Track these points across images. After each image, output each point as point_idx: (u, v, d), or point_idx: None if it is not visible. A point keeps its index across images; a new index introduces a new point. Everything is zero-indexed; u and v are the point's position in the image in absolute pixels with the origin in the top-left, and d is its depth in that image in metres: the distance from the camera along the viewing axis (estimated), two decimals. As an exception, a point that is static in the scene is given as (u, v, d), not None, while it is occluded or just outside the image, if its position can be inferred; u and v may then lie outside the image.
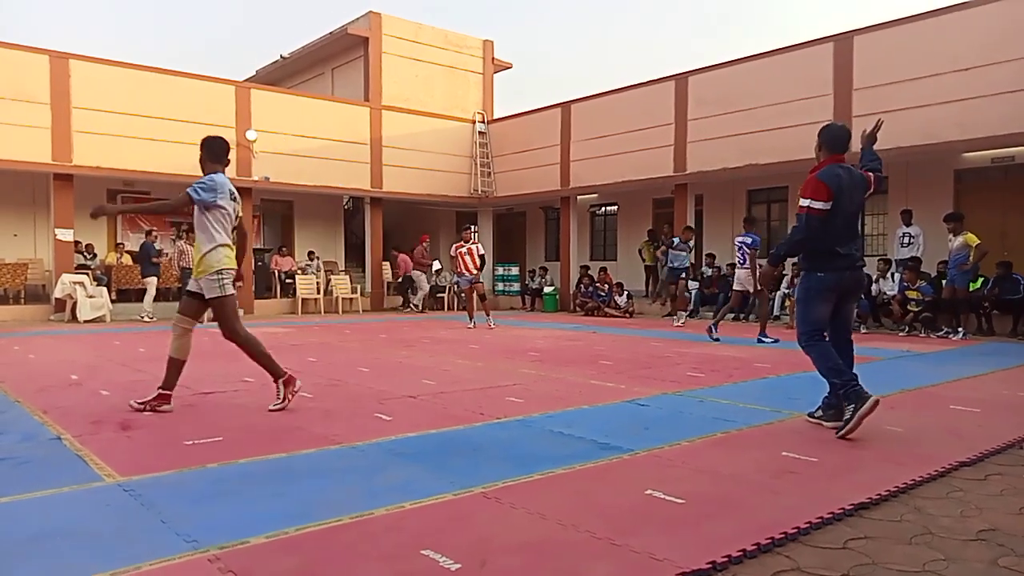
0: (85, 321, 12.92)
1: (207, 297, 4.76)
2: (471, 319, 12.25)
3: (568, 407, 5.02)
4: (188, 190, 4.72)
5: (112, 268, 14.84)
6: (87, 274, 13.71)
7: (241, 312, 14.51)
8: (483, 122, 19.39)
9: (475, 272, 12.19)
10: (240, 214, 5.02)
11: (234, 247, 4.91)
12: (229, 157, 5.11)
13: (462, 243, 12.32)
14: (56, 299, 13.21)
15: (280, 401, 4.87)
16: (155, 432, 4.17)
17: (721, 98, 14.25)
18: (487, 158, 19.21)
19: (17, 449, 3.72)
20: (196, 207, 4.73)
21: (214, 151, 4.96)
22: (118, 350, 8.36)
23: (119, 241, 15.83)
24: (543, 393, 5.59)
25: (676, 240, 13.03)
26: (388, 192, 17.81)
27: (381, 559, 2.36)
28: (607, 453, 3.74)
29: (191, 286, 4.85)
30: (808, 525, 2.67)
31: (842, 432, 4.02)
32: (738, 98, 13.95)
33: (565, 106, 17.36)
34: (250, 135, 15.48)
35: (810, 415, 4.48)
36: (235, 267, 4.88)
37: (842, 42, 12.63)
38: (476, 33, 20.47)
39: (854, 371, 4.19)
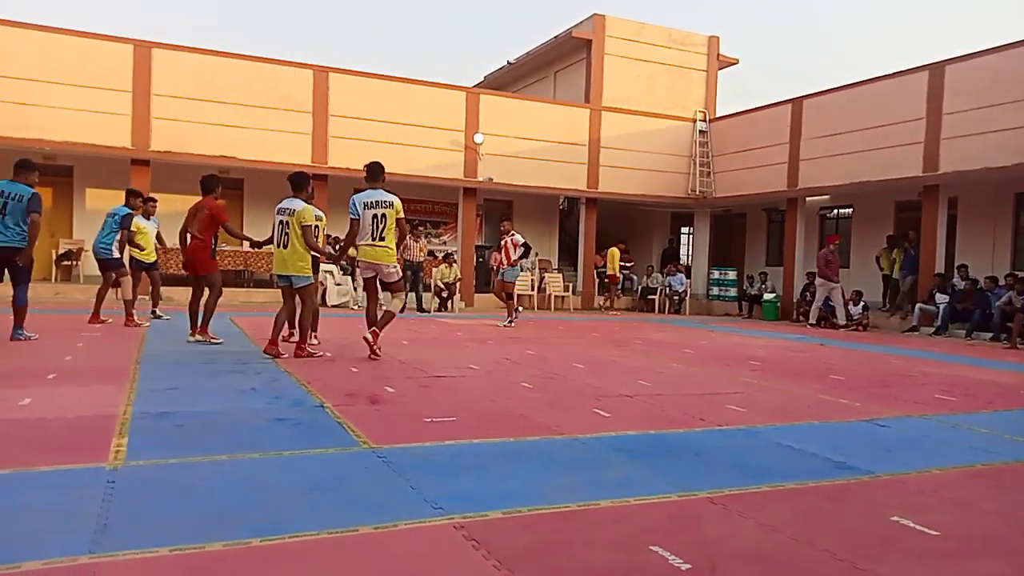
0: (332, 305, 14.53)
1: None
2: (511, 316, 11.85)
3: (796, 421, 4.75)
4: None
5: (356, 260, 16.55)
6: (335, 265, 15.40)
7: (461, 304, 15.28)
8: (704, 120, 18.84)
9: (505, 265, 11.73)
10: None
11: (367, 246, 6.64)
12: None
13: (504, 235, 11.92)
14: (310, 284, 14.98)
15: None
16: (398, 408, 4.61)
17: (986, 88, 12.55)
18: (707, 157, 18.64)
19: (291, 412, 4.32)
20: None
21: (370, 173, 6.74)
22: (360, 332, 9.29)
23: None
24: (767, 404, 5.33)
25: None
26: (604, 192, 17.96)
27: (611, 548, 2.42)
28: (843, 473, 3.49)
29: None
30: (1103, 581, 2.30)
31: None
32: (1008, 88, 12.19)
33: (796, 102, 16.32)
34: (477, 138, 16.42)
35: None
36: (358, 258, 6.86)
37: None
38: (702, 29, 19.96)
39: None
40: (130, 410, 4.11)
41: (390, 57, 54.28)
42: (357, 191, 7.02)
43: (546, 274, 17.90)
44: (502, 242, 11.91)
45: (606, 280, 17.88)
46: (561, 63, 20.15)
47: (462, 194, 16.96)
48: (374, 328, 6.71)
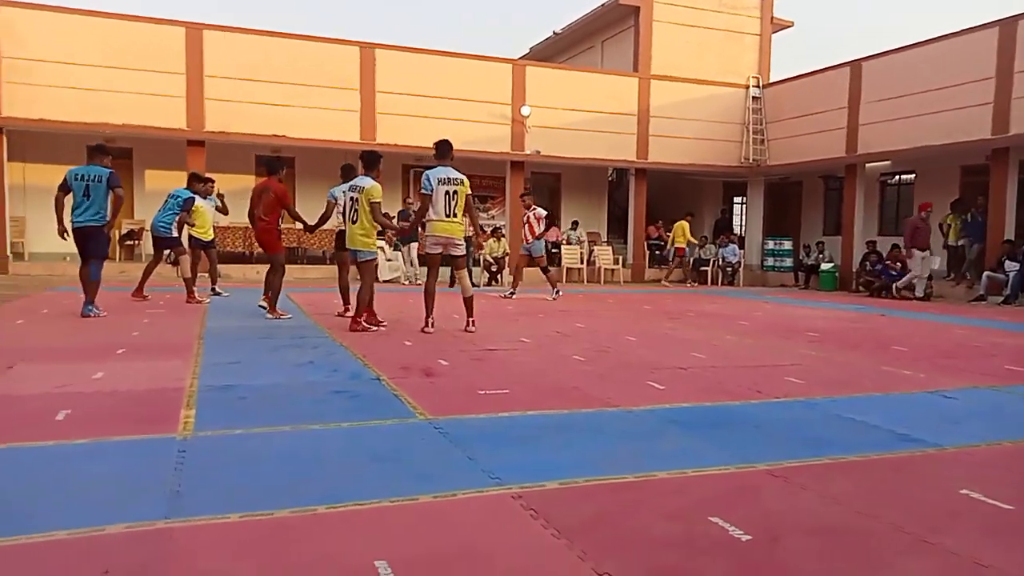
0: (384, 281, 14.70)
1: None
2: (514, 289, 11.72)
3: (856, 392, 4.64)
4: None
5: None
6: (385, 240, 15.56)
7: (510, 278, 15.12)
8: (758, 86, 18.29)
9: (531, 240, 11.61)
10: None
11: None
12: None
13: (526, 210, 11.76)
14: (360, 260, 15.21)
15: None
16: (452, 380, 4.66)
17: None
18: (760, 124, 18.13)
19: (349, 385, 4.41)
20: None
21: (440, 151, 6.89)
22: (411, 307, 9.41)
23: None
24: (826, 376, 5.22)
25: None
26: (654, 163, 17.67)
27: (670, 519, 2.42)
28: (907, 445, 3.40)
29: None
30: None
31: None
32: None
33: (855, 64, 15.69)
34: (524, 111, 16.28)
35: None
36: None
37: None
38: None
39: None
40: (196, 383, 4.26)
41: (422, 30, 53.83)
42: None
43: (595, 247, 17.76)
44: (524, 217, 11.83)
45: (658, 252, 17.69)
46: (608, 32, 19.76)
47: (509, 168, 16.90)
48: (472, 318, 7.05)
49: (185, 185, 9.58)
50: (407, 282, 14.48)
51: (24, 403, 3.72)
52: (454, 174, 6.77)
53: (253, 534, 2.20)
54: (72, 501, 2.40)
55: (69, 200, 7.24)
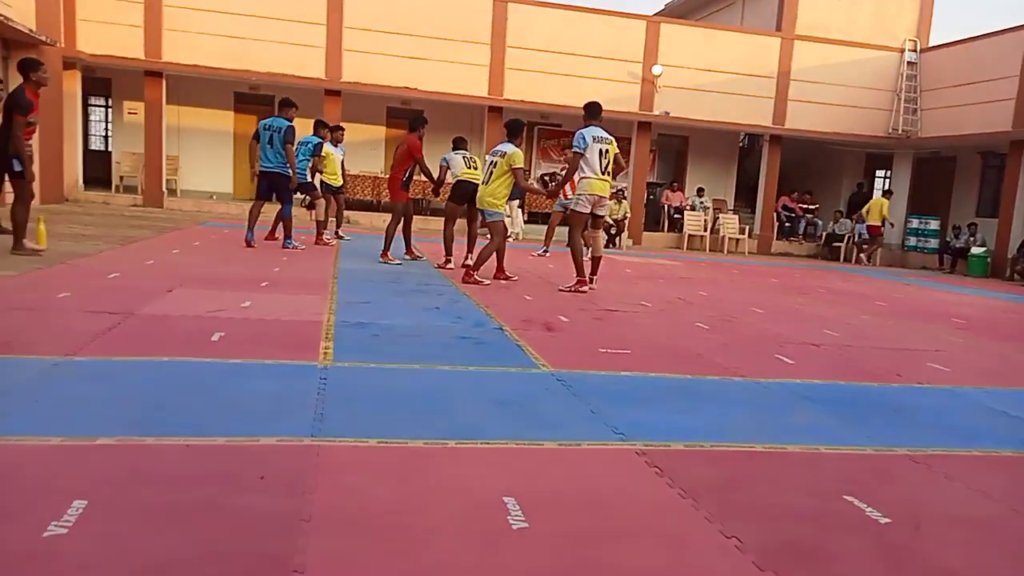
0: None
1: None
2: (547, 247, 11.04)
3: (1011, 385, 4.30)
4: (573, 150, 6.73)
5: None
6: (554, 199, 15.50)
7: (628, 242, 14.78)
8: (914, 51, 16.80)
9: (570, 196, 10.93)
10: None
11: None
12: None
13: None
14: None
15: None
16: (573, 336, 4.67)
17: None
18: (914, 92, 16.70)
19: (474, 332, 4.52)
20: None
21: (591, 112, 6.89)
22: (531, 263, 9.48)
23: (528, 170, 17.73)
24: (975, 365, 4.84)
25: None
26: (790, 129, 16.71)
27: (800, 492, 2.34)
28: (1072, 445, 3.11)
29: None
30: None
31: None
32: None
33: (1033, 27, 14.08)
34: (655, 70, 15.77)
35: None
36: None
37: None
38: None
39: None
40: (332, 318, 4.50)
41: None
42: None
43: (720, 215, 17.14)
44: (562, 171, 11.24)
45: (787, 225, 16.83)
46: (751, -13, 18.71)
47: (636, 128, 16.48)
48: (596, 275, 7.19)
49: (312, 132, 9.97)
50: (518, 237, 14.53)
51: (183, 323, 4.07)
52: (604, 134, 6.78)
53: (389, 458, 2.32)
54: (229, 412, 2.61)
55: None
